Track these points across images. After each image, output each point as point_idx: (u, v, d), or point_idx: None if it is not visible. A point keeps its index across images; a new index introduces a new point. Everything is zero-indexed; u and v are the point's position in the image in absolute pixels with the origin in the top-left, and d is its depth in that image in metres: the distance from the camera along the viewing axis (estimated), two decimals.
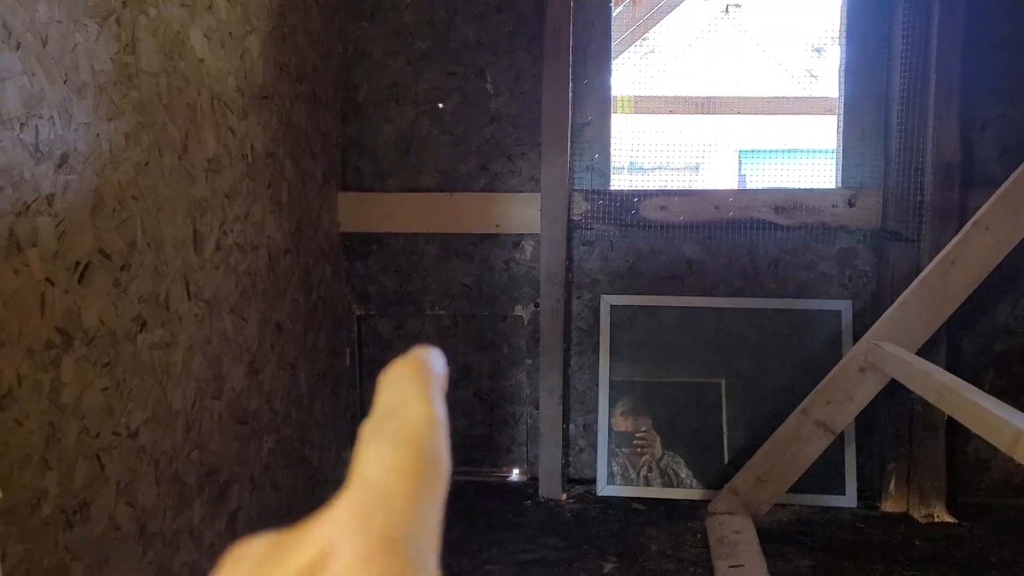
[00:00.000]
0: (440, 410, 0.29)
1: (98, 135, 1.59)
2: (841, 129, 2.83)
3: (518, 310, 2.90)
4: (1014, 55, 2.68)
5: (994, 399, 1.83)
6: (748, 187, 3.01)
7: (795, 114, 6.23)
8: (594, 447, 2.85)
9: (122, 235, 1.66)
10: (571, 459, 2.91)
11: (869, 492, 2.79)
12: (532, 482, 2.88)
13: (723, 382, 2.83)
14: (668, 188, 2.88)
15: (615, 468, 2.80)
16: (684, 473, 2.79)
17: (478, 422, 2.95)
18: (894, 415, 2.72)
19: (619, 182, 3.00)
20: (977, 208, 2.54)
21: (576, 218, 2.85)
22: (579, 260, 2.89)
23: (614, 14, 2.89)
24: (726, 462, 2.77)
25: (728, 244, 2.85)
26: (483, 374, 2.94)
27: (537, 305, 2.85)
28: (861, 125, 2.80)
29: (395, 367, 0.31)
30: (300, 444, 2.57)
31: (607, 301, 2.86)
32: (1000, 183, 2.52)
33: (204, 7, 1.97)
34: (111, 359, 1.63)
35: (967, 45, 2.63)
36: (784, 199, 2.82)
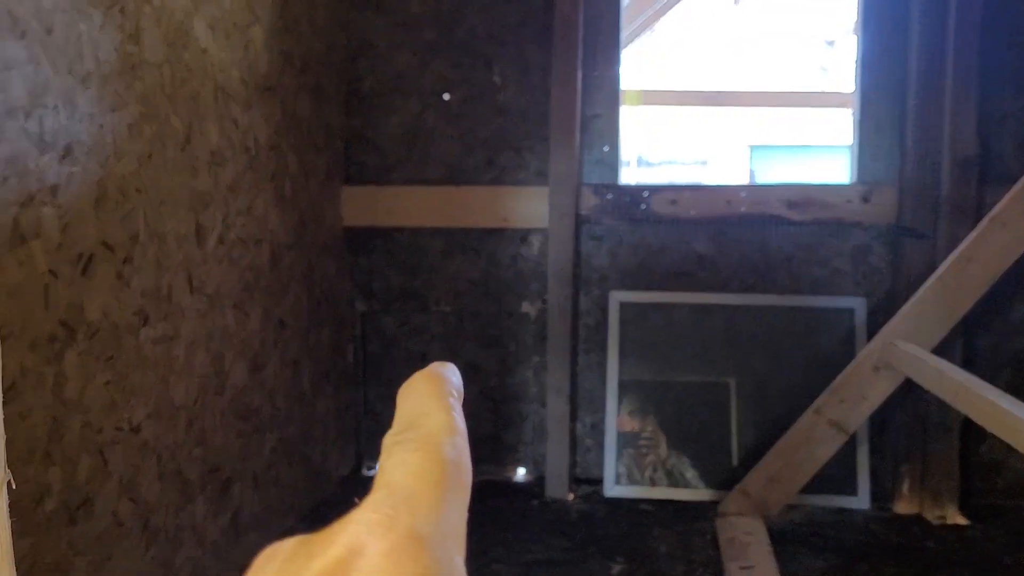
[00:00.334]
0: (459, 419, 0.31)
1: (102, 126, 1.56)
2: (857, 123, 2.78)
3: (525, 306, 2.86)
4: None
5: (1012, 398, 1.79)
6: (760, 182, 2.97)
7: (806, 107, 6.17)
8: (601, 447, 2.81)
9: (125, 227, 1.63)
10: (578, 459, 2.87)
11: (881, 493, 2.74)
12: (538, 482, 2.84)
13: (733, 381, 2.78)
14: (679, 183, 2.84)
15: (622, 468, 2.76)
16: (691, 474, 2.75)
17: (484, 421, 2.91)
18: (907, 415, 2.68)
19: (627, 176, 2.96)
20: (994, 203, 2.49)
21: (585, 213, 2.81)
22: (587, 255, 2.85)
23: (624, 4, 2.84)
24: (735, 463, 2.73)
25: (740, 240, 2.81)
26: (489, 372, 2.90)
27: (545, 301, 2.81)
28: (877, 119, 2.75)
29: (413, 380, 0.33)
30: (303, 442, 2.54)
31: (616, 297, 2.82)
32: (1018, 178, 2.47)
33: None
34: (114, 353, 1.60)
35: (985, 38, 2.58)
36: (797, 194, 2.77)
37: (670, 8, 5.66)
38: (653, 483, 2.75)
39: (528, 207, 2.80)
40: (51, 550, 1.46)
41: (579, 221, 2.80)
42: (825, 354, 2.75)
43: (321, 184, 2.66)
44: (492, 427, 2.92)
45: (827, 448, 2.50)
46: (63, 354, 1.46)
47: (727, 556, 2.25)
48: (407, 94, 2.84)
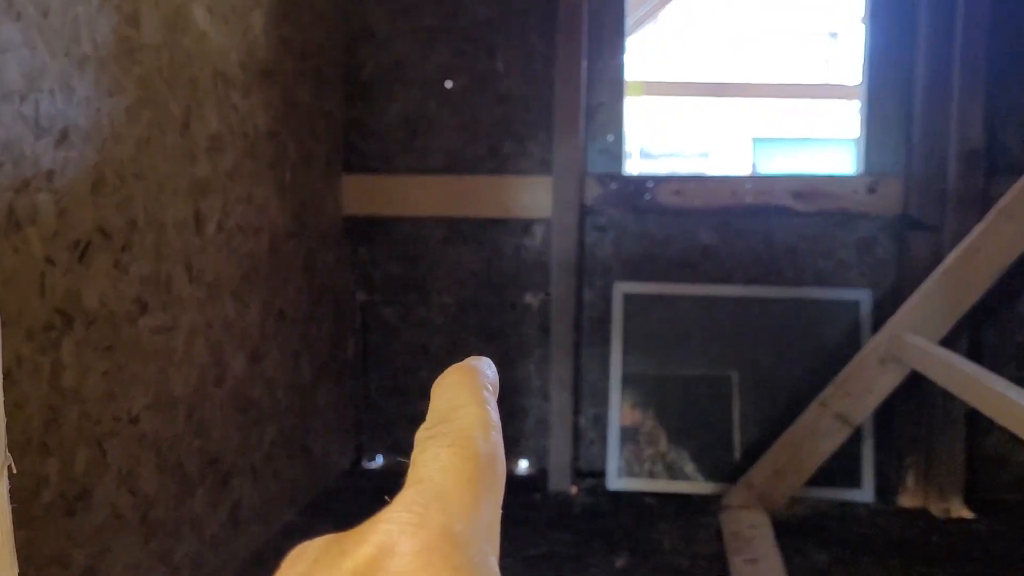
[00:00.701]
0: (494, 413, 0.30)
1: (99, 110, 1.53)
2: (864, 114, 2.75)
3: (528, 298, 2.83)
4: None
5: (1021, 390, 1.77)
6: (766, 172, 2.94)
7: (810, 99, 6.13)
8: (604, 440, 2.78)
9: (123, 214, 1.59)
10: (581, 452, 2.84)
11: (886, 487, 2.72)
12: (541, 475, 2.81)
13: (736, 374, 2.76)
14: (683, 173, 2.81)
15: (625, 462, 2.74)
16: (694, 467, 2.73)
17: None
18: (913, 409, 2.65)
19: (629, 168, 2.93)
20: (1001, 196, 2.47)
21: (588, 203, 2.78)
22: (591, 246, 2.82)
23: None
24: (738, 457, 2.71)
25: (745, 231, 2.78)
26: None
27: (548, 293, 2.78)
28: (884, 111, 2.72)
29: (447, 373, 0.32)
30: (303, 434, 2.51)
31: (620, 289, 2.79)
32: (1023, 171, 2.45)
33: None
34: (112, 342, 1.57)
35: (993, 29, 2.55)
36: (803, 185, 2.74)
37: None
38: (656, 476, 2.73)
39: (531, 197, 2.77)
40: (49, 542, 1.43)
41: (583, 211, 2.77)
42: (830, 347, 2.72)
43: (321, 172, 2.63)
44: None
45: (832, 441, 2.47)
46: (60, 343, 1.43)
47: (731, 549, 2.22)
48: (408, 82, 2.81)
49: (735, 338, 2.76)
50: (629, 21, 3.12)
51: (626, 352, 2.77)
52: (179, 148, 1.79)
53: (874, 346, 2.48)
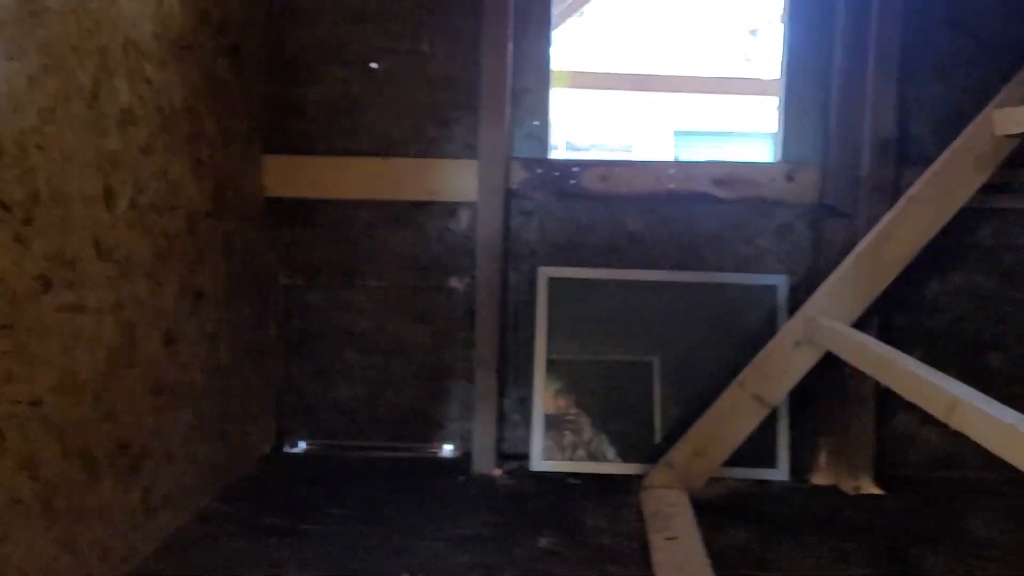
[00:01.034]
0: None
1: None
2: (783, 105, 2.81)
3: (453, 282, 2.82)
4: (951, 34, 2.69)
5: (930, 368, 1.83)
6: (689, 159, 2.98)
7: (731, 94, 6.25)
8: (529, 423, 2.79)
9: (24, 186, 1.53)
10: (506, 434, 2.85)
11: (800, 466, 2.79)
12: (466, 458, 2.81)
13: (658, 358, 2.80)
14: (609, 159, 2.83)
15: (549, 443, 2.75)
16: (616, 449, 2.76)
17: (411, 396, 2.87)
18: (826, 389, 2.73)
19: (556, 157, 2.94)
20: (911, 184, 2.55)
21: (514, 187, 2.78)
22: (517, 230, 2.82)
23: None
24: (659, 439, 2.75)
25: (669, 217, 2.81)
26: (417, 347, 2.85)
27: (473, 277, 2.77)
28: (802, 102, 2.78)
29: None
30: (220, 418, 2.45)
31: (545, 273, 2.80)
32: (933, 161, 2.54)
33: None
34: (12, 320, 1.50)
35: (906, 23, 2.63)
36: (724, 172, 2.79)
37: None
38: (579, 458, 2.75)
39: (457, 180, 2.75)
40: None
41: (509, 195, 2.77)
42: (749, 330, 2.78)
43: (241, 151, 2.56)
44: (419, 403, 2.87)
45: (750, 421, 2.53)
46: None
47: (652, 528, 2.25)
48: (333, 61, 2.76)
49: (658, 323, 2.80)
50: (556, 11, 3.13)
51: (551, 336, 2.78)
52: (87, 120, 1.72)
53: (790, 329, 2.54)
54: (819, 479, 2.75)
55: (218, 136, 2.36)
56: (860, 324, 2.53)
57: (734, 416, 2.52)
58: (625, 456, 2.76)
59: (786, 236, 2.81)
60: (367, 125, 2.77)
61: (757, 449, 2.70)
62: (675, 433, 2.68)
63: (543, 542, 2.25)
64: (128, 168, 1.88)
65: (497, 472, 2.73)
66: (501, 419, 2.81)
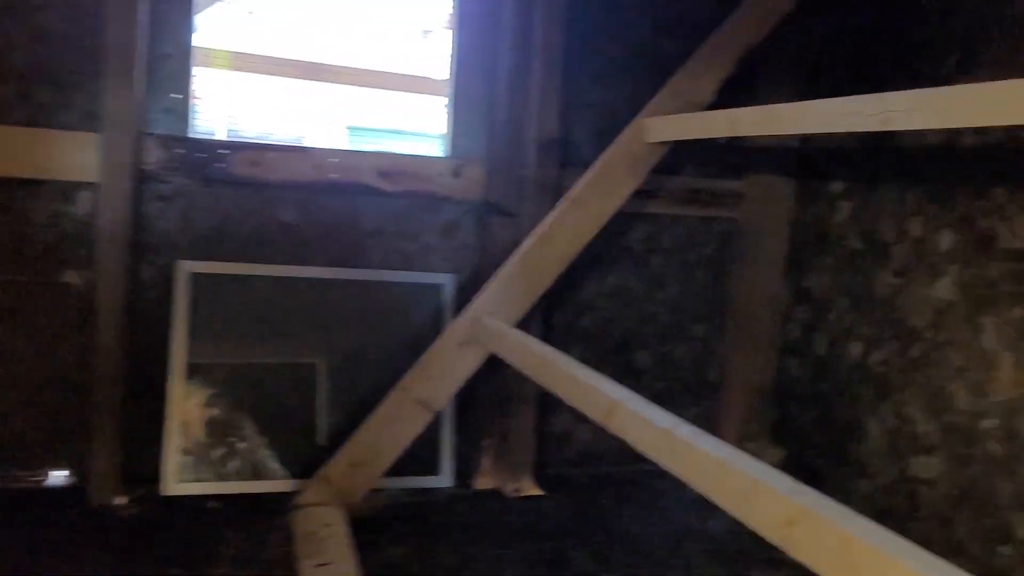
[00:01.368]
0: None
1: None
2: (451, 99, 2.72)
3: (69, 276, 2.36)
4: (609, 43, 2.77)
5: (591, 371, 1.81)
6: (353, 148, 2.79)
7: (405, 91, 6.15)
8: (160, 440, 2.41)
9: None
10: (132, 455, 2.42)
11: (464, 471, 2.72)
12: (82, 485, 2.36)
13: (321, 361, 2.57)
14: (263, 141, 2.55)
15: (189, 462, 2.41)
16: (274, 464, 2.49)
17: (12, 414, 2.36)
18: (491, 391, 2.68)
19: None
20: (573, 186, 2.58)
21: (149, 168, 2.39)
22: (151, 218, 2.43)
23: None
24: (322, 450, 2.53)
25: (329, 209, 2.60)
26: (19, 355, 2.35)
27: (95, 271, 2.34)
28: (469, 97, 2.71)
29: None
30: None
31: (185, 268, 2.45)
32: (592, 164, 2.58)
33: None
34: None
35: (569, 30, 2.66)
36: (391, 164, 2.64)
37: None
38: (226, 477, 2.44)
39: (75, 156, 2.31)
40: None
41: (141, 177, 2.38)
42: (414, 331, 2.65)
43: None
44: (19, 423, 2.37)
45: (413, 427, 2.39)
46: None
47: (302, 553, 2.03)
48: None
49: (319, 323, 2.58)
50: None
51: (193, 339, 2.44)
52: None
53: (455, 330, 2.44)
54: (482, 483, 2.69)
55: None
56: (524, 323, 2.50)
57: (396, 423, 2.37)
58: (284, 471, 2.50)
59: (453, 234, 2.73)
60: None
61: (420, 456, 2.58)
62: (341, 442, 2.47)
63: None
64: None
65: (121, 500, 2.32)
66: (127, 437, 2.39)
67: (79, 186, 2.34)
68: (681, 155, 2.79)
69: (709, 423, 2.97)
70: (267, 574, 2.00)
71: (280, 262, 2.56)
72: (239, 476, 2.45)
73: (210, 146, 2.48)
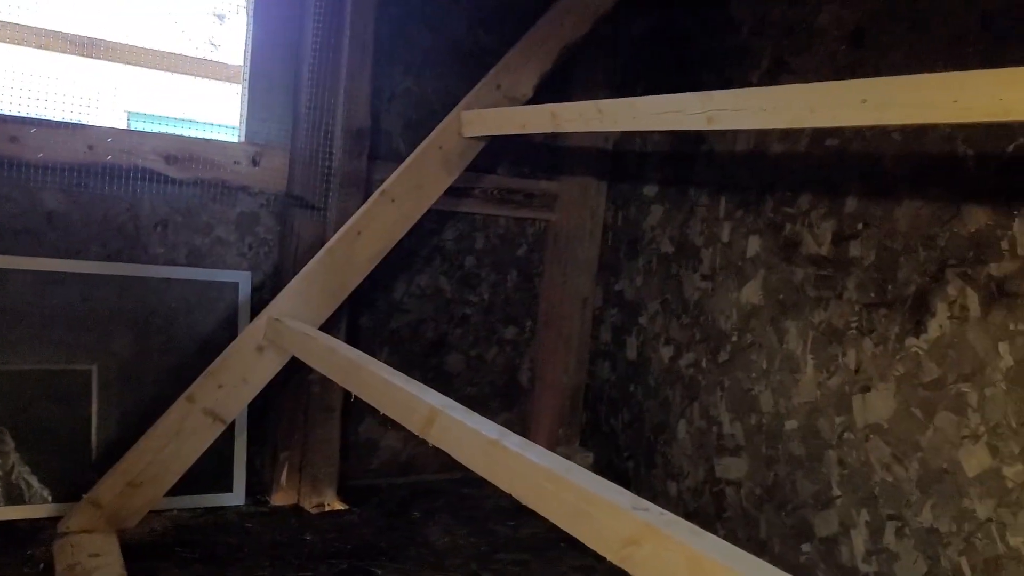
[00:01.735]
0: None
1: None
2: (247, 76, 2.48)
3: None
4: (424, 33, 2.63)
5: (405, 376, 1.66)
6: (134, 127, 2.49)
7: (193, 75, 5.70)
8: None
9: None
10: None
11: (259, 486, 2.49)
12: None
13: (94, 367, 2.26)
14: (22, 115, 2.21)
15: None
16: (34, 486, 2.15)
17: None
18: (289, 399, 2.47)
19: None
20: (383, 180, 2.43)
21: None
22: None
23: None
24: (93, 466, 2.22)
25: (104, 196, 2.29)
26: None
27: None
28: (270, 75, 2.48)
29: None
30: None
31: None
32: (403, 157, 2.44)
33: None
34: None
35: (380, 16, 2.50)
36: (178, 147, 2.36)
37: None
38: None
39: None
40: None
41: None
42: (205, 335, 2.39)
43: None
44: None
45: (201, 440, 2.14)
46: None
47: None
48: None
49: (94, 324, 2.26)
50: None
51: None
52: None
53: (251, 332, 2.22)
54: (279, 499, 2.47)
55: None
56: (329, 325, 2.32)
57: (181, 436, 2.11)
58: (47, 493, 2.17)
59: (250, 227, 2.49)
60: None
61: (209, 472, 2.33)
62: (116, 457, 2.17)
63: None
64: None
65: None
66: None
67: None
68: (496, 154, 2.72)
69: (521, 427, 2.92)
70: None
71: (44, 254, 2.22)
72: None
73: None
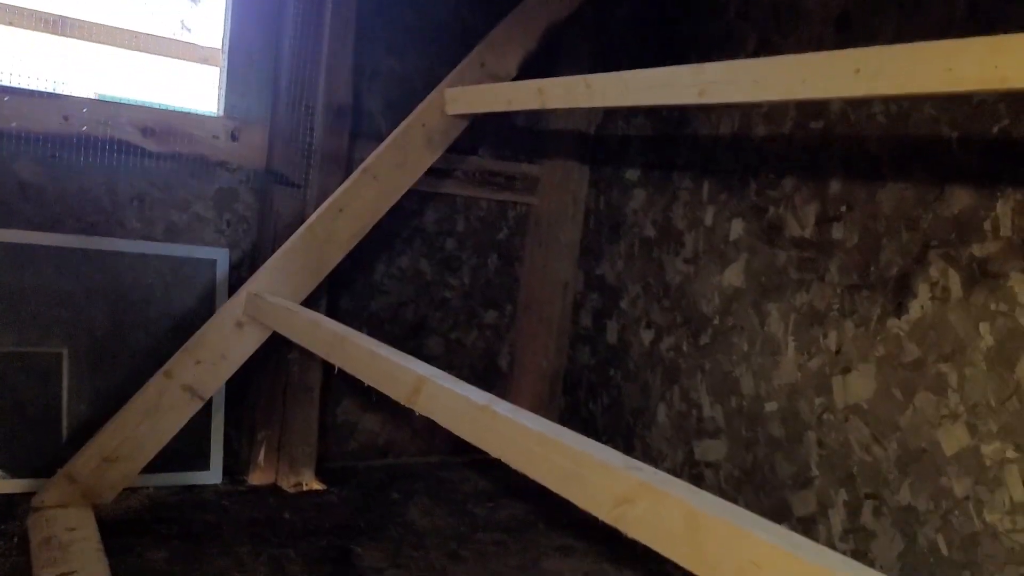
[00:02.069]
0: None
1: None
2: (226, 48, 2.44)
3: None
4: (405, 9, 2.61)
5: (390, 348, 1.65)
6: (111, 97, 2.45)
7: (167, 56, 5.63)
8: None
9: None
10: None
11: (236, 465, 2.47)
12: None
13: (68, 346, 2.22)
14: None
15: None
16: (3, 462, 2.11)
17: None
18: (268, 379, 2.44)
19: None
20: (363, 158, 2.40)
21: None
22: None
23: None
24: (65, 442, 2.18)
25: (79, 168, 2.25)
26: None
27: None
28: (249, 49, 2.44)
29: None
30: None
31: None
32: (384, 137, 2.42)
33: None
34: None
35: None
36: (156, 120, 2.32)
37: None
38: None
39: None
40: None
41: None
42: (182, 312, 2.36)
43: None
44: None
45: (178, 417, 2.11)
46: None
47: (40, 562, 1.71)
48: None
49: (66, 301, 2.22)
50: None
51: None
52: None
53: (231, 308, 2.19)
54: (257, 478, 2.44)
55: None
56: (308, 304, 2.29)
57: (158, 412, 2.08)
58: (16, 469, 2.12)
59: (229, 203, 2.45)
60: None
61: (186, 449, 2.30)
62: (88, 435, 2.13)
63: None
64: None
65: None
66: None
67: None
68: (478, 136, 2.71)
69: None
70: None
71: (17, 227, 2.18)
72: None
73: None
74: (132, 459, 2.06)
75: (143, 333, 2.32)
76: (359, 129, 2.54)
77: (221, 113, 2.45)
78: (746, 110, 2.29)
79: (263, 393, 2.44)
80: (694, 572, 0.94)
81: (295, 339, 2.01)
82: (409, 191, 2.44)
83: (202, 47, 5.20)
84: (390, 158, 2.36)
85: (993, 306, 1.73)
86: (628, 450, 2.63)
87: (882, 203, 1.94)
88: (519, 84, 2.08)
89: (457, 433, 1.31)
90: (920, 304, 1.85)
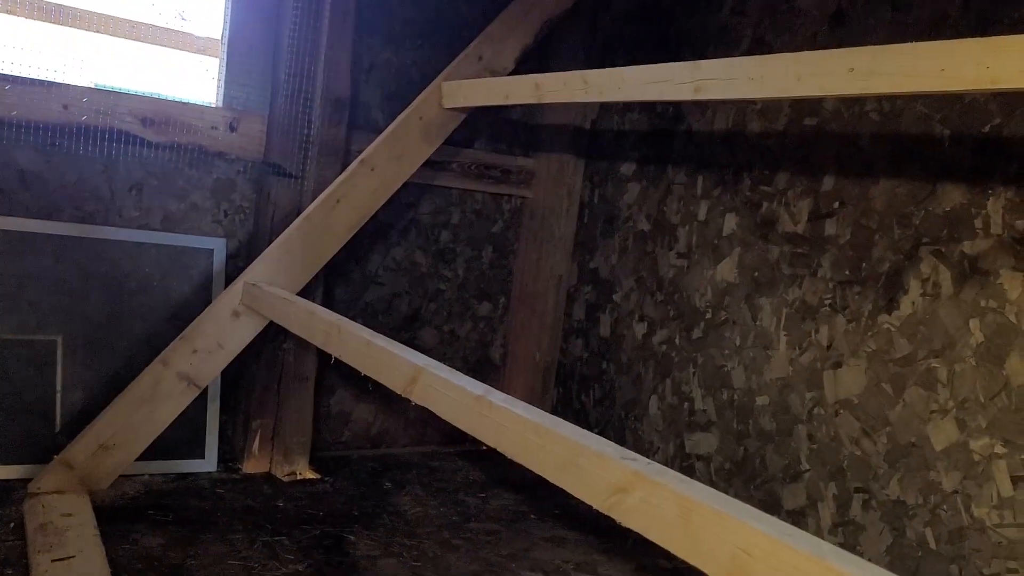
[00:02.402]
0: None
1: None
2: (226, 39, 2.45)
3: None
4: (403, 2, 2.62)
5: (386, 338, 1.66)
6: (111, 87, 2.45)
7: (165, 46, 5.61)
8: None
9: None
10: None
11: (231, 454, 2.48)
12: None
13: (64, 332, 2.23)
14: None
15: None
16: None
17: None
18: (263, 369, 2.45)
19: None
20: (360, 150, 2.42)
21: None
22: None
23: None
24: (59, 430, 2.19)
25: (78, 157, 2.26)
26: None
27: None
28: (249, 40, 2.46)
29: None
30: None
31: None
32: (381, 129, 2.44)
33: None
34: None
35: None
36: (155, 110, 2.33)
37: None
38: None
39: None
40: None
41: None
42: (178, 301, 2.37)
43: None
44: None
45: (174, 405, 2.13)
46: None
47: (36, 546, 1.72)
48: None
49: (63, 288, 2.23)
50: None
51: None
52: None
53: (228, 297, 2.20)
54: (251, 467, 2.46)
55: None
56: (304, 295, 2.31)
57: (155, 400, 2.09)
58: (12, 456, 2.13)
59: (226, 194, 2.47)
60: None
61: (181, 437, 2.32)
62: (82, 423, 2.15)
63: None
64: None
65: None
66: None
67: None
68: (474, 129, 2.72)
69: None
70: None
71: (16, 214, 2.19)
72: None
73: None
74: (128, 446, 2.08)
75: (140, 321, 2.33)
76: (357, 121, 2.55)
77: (220, 104, 2.46)
78: (741, 106, 2.31)
79: (258, 382, 2.46)
80: (687, 560, 0.96)
81: (292, 328, 2.03)
82: (405, 183, 2.45)
83: (200, 38, 5.19)
84: (388, 150, 2.37)
85: (983, 303, 1.75)
86: (620, 442, 2.63)
87: (874, 200, 1.97)
88: (517, 78, 2.10)
89: (453, 423, 1.33)
90: (911, 300, 1.88)
